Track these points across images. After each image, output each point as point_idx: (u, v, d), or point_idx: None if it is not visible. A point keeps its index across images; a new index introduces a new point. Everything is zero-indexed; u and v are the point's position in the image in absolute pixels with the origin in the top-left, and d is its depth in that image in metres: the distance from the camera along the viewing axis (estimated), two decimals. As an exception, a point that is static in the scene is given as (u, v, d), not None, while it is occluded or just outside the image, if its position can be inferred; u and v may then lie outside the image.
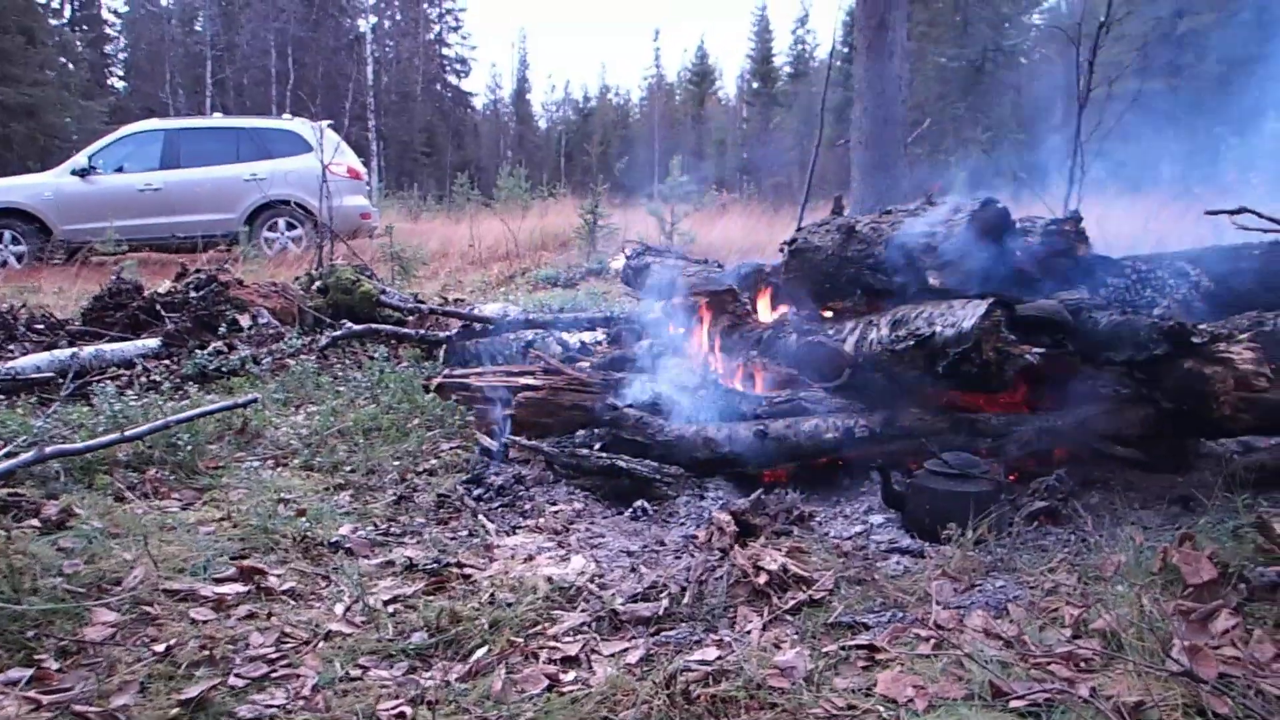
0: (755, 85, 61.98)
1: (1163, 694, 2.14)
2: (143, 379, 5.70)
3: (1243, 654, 2.30)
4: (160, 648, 2.54)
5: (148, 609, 2.77)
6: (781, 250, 4.77)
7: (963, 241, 3.85)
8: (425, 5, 59.89)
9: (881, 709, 2.22)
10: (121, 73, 50.30)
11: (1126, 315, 3.56)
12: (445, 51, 61.29)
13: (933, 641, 2.55)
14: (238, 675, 2.44)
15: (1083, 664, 2.37)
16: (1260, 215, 3.09)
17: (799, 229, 4.76)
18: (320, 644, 2.65)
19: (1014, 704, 2.18)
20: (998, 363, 3.48)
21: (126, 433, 3.99)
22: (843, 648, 2.56)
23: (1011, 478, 3.82)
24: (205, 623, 2.73)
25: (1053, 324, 3.63)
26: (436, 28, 60.87)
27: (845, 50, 28.87)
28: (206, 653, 2.54)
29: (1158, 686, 2.18)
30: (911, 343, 3.68)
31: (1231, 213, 3.10)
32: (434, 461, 4.52)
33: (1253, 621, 2.51)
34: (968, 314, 3.53)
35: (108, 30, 49.24)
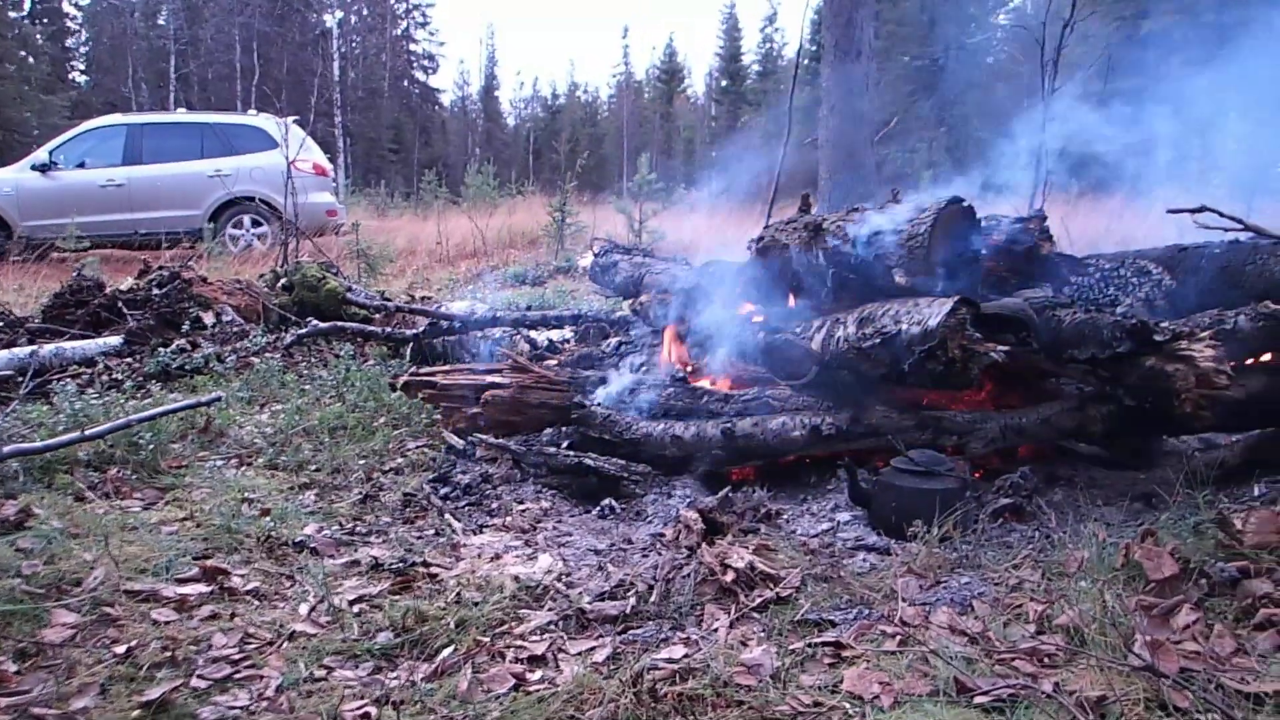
0: (724, 84, 62.21)
1: (1125, 689, 2.16)
2: (104, 377, 5.64)
3: (1203, 649, 2.33)
4: (121, 649, 2.52)
5: (108, 610, 2.74)
6: (749, 248, 4.78)
7: (928, 239, 3.87)
8: (392, 1, 59.62)
9: (847, 706, 2.23)
10: (83, 67, 49.78)
11: (1090, 313, 3.59)
12: (412, 47, 61.15)
13: (898, 638, 2.57)
14: (200, 676, 2.42)
15: (1046, 659, 2.39)
16: (1221, 214, 3.13)
17: (766, 227, 4.77)
18: (284, 644, 2.63)
19: (978, 699, 2.19)
20: (963, 360, 3.49)
21: (87, 431, 3.93)
22: (809, 645, 2.57)
23: (977, 475, 3.84)
24: (167, 624, 2.71)
25: (1017, 322, 3.65)
26: (404, 23, 60.73)
27: (813, 49, 28.97)
28: (168, 654, 2.51)
29: (1120, 681, 2.20)
30: (878, 340, 3.69)
31: (1192, 211, 3.13)
32: (400, 460, 4.50)
33: (1213, 616, 2.54)
34: (933, 312, 3.54)
35: (69, 24, 48.68)
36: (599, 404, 4.43)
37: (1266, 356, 3.75)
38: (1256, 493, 3.32)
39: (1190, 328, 3.39)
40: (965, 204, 4.03)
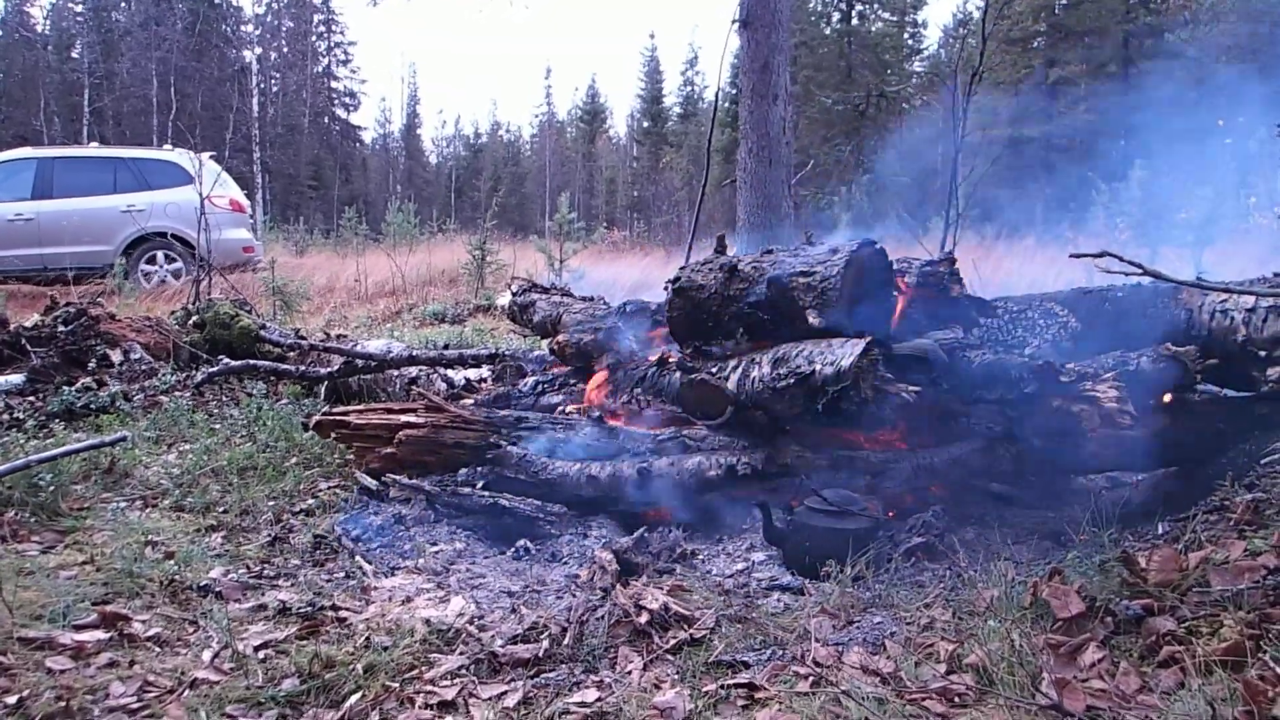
0: (646, 125, 62.60)
1: (1032, 727, 2.18)
2: (4, 416, 5.47)
3: (1109, 686, 2.36)
4: (12, 699, 2.42)
5: (0, 659, 2.64)
6: (666, 288, 4.79)
7: (841, 281, 3.92)
8: (314, 39, 59.33)
9: (759, 749, 2.22)
10: (-8, 99, 48.62)
11: (998, 355, 3.65)
12: (334, 85, 60.81)
13: (811, 679, 2.56)
14: (95, 727, 2.33)
15: (956, 699, 2.40)
16: (1121, 259, 3.20)
17: (683, 268, 4.79)
18: (185, 692, 2.54)
19: (889, 741, 2.19)
20: (875, 400, 3.54)
21: (-18, 473, 3.81)
22: (722, 687, 2.55)
23: (890, 514, 3.87)
24: (62, 672, 2.61)
25: (928, 362, 3.71)
26: (325, 60, 60.37)
27: (733, 92, 29.38)
28: (63, 704, 2.42)
29: (1027, 720, 2.22)
30: (792, 381, 3.72)
31: (1094, 256, 3.19)
32: (311, 501, 4.41)
33: (1119, 654, 2.57)
34: (846, 352, 3.58)
35: (-24, 56, 47.62)
36: (514, 443, 4.39)
37: (1167, 397, 3.84)
38: (1160, 530, 3.39)
39: (1094, 369, 3.46)
40: (877, 246, 4.09)
